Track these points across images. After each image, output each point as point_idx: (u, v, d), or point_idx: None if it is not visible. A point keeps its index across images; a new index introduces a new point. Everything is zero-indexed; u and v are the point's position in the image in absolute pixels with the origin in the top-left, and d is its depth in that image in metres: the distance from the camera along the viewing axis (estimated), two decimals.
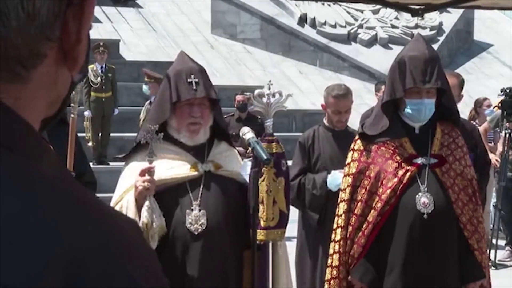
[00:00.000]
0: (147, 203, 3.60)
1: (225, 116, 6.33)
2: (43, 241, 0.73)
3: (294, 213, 5.90)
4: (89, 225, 0.76)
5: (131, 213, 3.61)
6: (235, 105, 11.91)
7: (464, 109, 11.02)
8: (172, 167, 3.79)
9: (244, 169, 3.85)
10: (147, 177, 3.60)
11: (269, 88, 3.98)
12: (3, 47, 0.80)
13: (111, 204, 3.76)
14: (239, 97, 11.77)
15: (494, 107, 11.04)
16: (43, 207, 0.75)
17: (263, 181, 3.80)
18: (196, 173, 3.80)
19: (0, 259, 0.71)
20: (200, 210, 3.72)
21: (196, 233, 3.70)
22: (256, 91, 4.02)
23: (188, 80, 3.79)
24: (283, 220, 3.88)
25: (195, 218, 3.71)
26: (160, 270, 0.82)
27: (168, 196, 3.72)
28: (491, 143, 10.27)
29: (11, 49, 0.81)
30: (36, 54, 0.83)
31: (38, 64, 0.83)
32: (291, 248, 4.72)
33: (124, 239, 0.79)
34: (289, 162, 6.00)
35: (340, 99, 5.82)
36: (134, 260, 0.77)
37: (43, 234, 0.73)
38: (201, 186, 3.77)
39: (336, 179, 5.60)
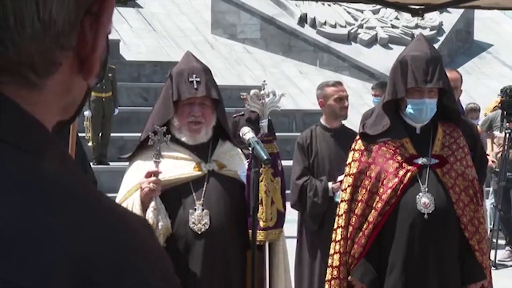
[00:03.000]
0: (152, 204, 3.60)
1: (234, 116, 6.33)
2: (53, 240, 0.73)
3: (293, 214, 5.91)
4: (98, 224, 0.76)
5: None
6: (246, 105, 11.84)
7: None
8: (176, 167, 3.79)
9: (241, 168, 3.85)
10: (153, 178, 3.60)
11: (263, 88, 3.98)
12: (17, 54, 0.80)
13: None
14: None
15: (494, 107, 11.06)
16: (52, 207, 0.75)
17: (261, 181, 3.80)
18: (199, 172, 3.80)
19: (11, 259, 0.71)
20: (203, 210, 3.72)
21: (199, 232, 3.70)
22: (252, 92, 4.03)
23: (190, 79, 3.79)
24: (280, 220, 3.89)
25: (198, 217, 3.71)
26: (171, 269, 0.81)
27: (171, 195, 3.72)
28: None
29: (24, 56, 0.80)
30: (51, 63, 0.82)
31: (53, 73, 0.83)
32: (291, 247, 4.71)
33: (134, 238, 0.78)
34: (289, 162, 6.05)
35: (338, 85, 6.08)
36: (145, 259, 0.77)
37: (53, 234, 0.73)
38: (204, 186, 3.77)
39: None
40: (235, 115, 6.45)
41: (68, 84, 0.85)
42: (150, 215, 3.58)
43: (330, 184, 5.75)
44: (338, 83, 6.11)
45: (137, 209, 3.63)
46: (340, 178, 5.51)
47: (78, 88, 0.87)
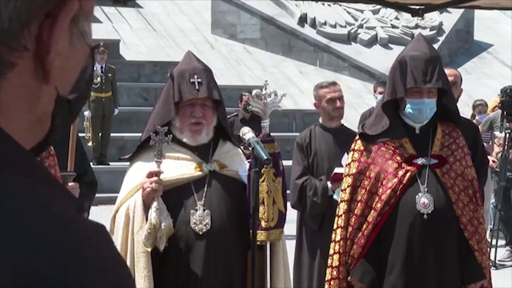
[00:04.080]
0: (155, 204, 3.60)
1: (229, 117, 6.34)
2: (2, 250, 0.72)
3: (293, 213, 5.91)
4: (51, 233, 0.75)
5: (138, 214, 3.62)
6: (243, 105, 11.85)
7: (464, 108, 11.03)
8: (177, 167, 3.80)
9: (242, 168, 3.85)
10: (154, 178, 3.60)
11: (265, 88, 3.99)
12: None
13: (116, 204, 3.77)
14: (246, 98, 11.72)
15: (494, 107, 11.06)
16: (5, 219, 0.74)
17: (263, 181, 3.80)
18: (200, 173, 3.80)
19: None
20: (204, 210, 3.72)
21: (200, 233, 3.70)
22: (254, 92, 4.03)
23: (191, 80, 3.79)
24: (281, 220, 3.90)
25: (199, 218, 3.71)
26: (126, 280, 0.80)
27: (172, 196, 3.72)
28: (490, 143, 10.29)
29: None
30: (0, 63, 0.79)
31: (6, 73, 0.80)
32: (290, 247, 4.71)
33: (85, 247, 0.77)
34: (289, 162, 6.05)
35: (331, 86, 6.02)
36: (95, 273, 0.76)
37: (3, 244, 0.72)
38: (206, 186, 3.78)
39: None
40: (229, 116, 6.48)
41: (34, 89, 0.83)
42: (152, 215, 3.58)
43: (329, 183, 5.76)
44: (331, 84, 6.06)
45: (138, 210, 3.63)
46: (335, 170, 5.52)
47: (47, 95, 0.84)
